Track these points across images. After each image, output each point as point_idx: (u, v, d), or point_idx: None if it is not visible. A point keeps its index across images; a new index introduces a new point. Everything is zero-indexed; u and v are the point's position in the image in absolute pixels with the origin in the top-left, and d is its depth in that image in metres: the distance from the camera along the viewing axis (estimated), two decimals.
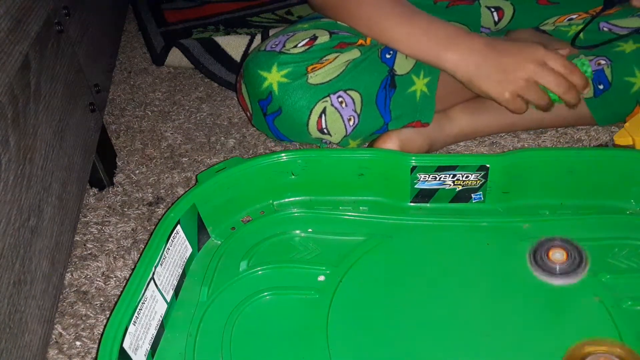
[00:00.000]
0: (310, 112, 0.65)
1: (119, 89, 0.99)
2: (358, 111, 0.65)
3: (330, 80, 0.65)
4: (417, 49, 0.65)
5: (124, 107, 0.93)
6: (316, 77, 0.65)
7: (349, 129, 0.66)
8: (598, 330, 0.46)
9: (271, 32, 1.01)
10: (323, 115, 0.65)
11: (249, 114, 0.73)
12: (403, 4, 0.66)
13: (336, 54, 0.66)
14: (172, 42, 1.06)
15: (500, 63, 0.62)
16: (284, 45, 0.68)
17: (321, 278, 0.53)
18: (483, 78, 0.63)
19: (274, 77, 0.65)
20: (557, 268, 0.50)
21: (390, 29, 0.65)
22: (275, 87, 0.65)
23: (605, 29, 0.73)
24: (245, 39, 1.01)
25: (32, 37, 0.53)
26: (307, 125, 0.66)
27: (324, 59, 0.66)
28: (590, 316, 0.48)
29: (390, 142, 0.66)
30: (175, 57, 1.03)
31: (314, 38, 0.68)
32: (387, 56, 0.67)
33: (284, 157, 0.60)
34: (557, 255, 0.51)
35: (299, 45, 0.67)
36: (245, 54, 1.00)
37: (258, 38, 1.01)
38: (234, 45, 1.01)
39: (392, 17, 0.65)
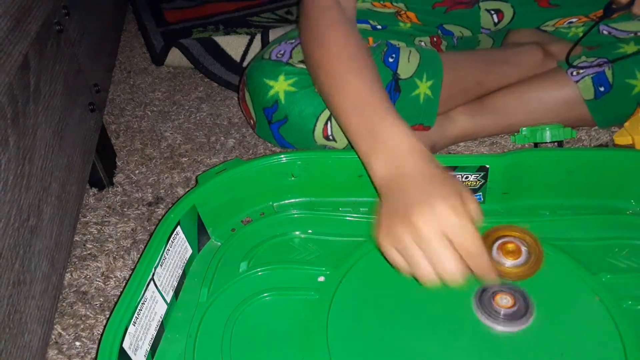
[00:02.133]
0: (317, 119, 0.65)
1: (119, 88, 0.99)
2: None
3: None
4: (352, 139, 0.54)
5: (124, 107, 0.93)
6: None
7: None
8: (598, 330, 0.47)
9: (271, 32, 1.01)
10: (329, 123, 0.65)
11: (252, 122, 0.72)
12: (361, 74, 0.56)
13: None
14: (171, 41, 1.06)
15: (405, 201, 0.46)
16: (290, 56, 0.67)
17: (321, 279, 0.53)
18: (382, 206, 0.49)
19: (280, 86, 0.65)
20: (502, 313, 0.48)
21: (336, 107, 0.56)
22: (281, 96, 0.65)
23: (605, 32, 0.73)
24: (245, 39, 1.01)
25: (32, 37, 0.53)
26: (314, 133, 0.65)
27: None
28: (590, 316, 0.48)
29: None
30: (175, 57, 1.03)
31: None
32: (390, 60, 0.67)
33: (284, 159, 0.60)
34: (504, 301, 0.48)
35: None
36: (245, 54, 1.00)
37: (258, 38, 1.01)
38: (233, 45, 1.01)
39: (342, 92, 0.56)
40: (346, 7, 0.63)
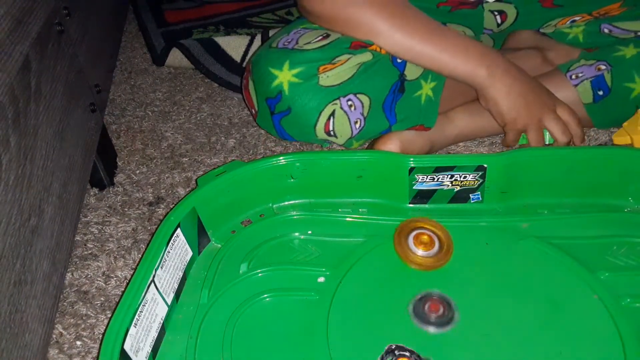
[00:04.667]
0: (320, 114, 0.64)
1: (120, 89, 0.99)
2: (365, 114, 0.65)
3: (341, 83, 0.64)
4: (451, 64, 0.66)
5: (125, 107, 0.93)
6: (327, 79, 0.64)
7: (355, 132, 0.66)
8: (597, 328, 0.47)
9: (271, 32, 1.01)
10: (332, 118, 0.64)
11: (253, 112, 0.72)
12: (430, 21, 0.67)
13: (348, 56, 0.65)
14: (172, 42, 1.06)
15: (527, 95, 0.66)
16: (297, 42, 0.67)
17: (321, 279, 0.53)
18: (506, 101, 0.66)
19: (285, 76, 0.64)
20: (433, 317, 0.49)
21: (420, 43, 0.66)
22: (285, 87, 0.64)
23: (606, 30, 0.73)
24: (246, 40, 1.01)
25: (33, 38, 0.53)
26: (315, 127, 0.65)
27: (336, 59, 0.64)
28: (589, 314, 0.48)
29: (391, 144, 0.66)
30: (176, 57, 1.03)
31: (326, 36, 0.67)
32: (399, 60, 0.66)
33: (283, 161, 0.60)
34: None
35: (313, 41, 0.66)
36: (246, 55, 1.00)
37: (258, 38, 1.01)
38: (234, 45, 1.01)
39: (422, 33, 0.66)
40: None
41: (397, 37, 0.65)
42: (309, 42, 0.66)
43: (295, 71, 0.64)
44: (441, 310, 0.49)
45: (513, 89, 0.66)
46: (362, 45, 0.66)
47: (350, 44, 0.66)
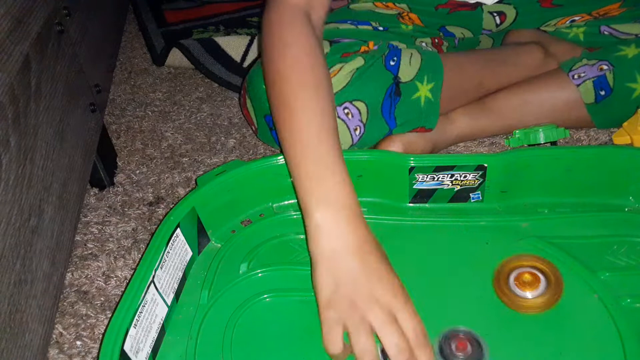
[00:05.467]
0: None
1: (120, 89, 0.99)
2: (364, 121, 0.65)
3: (336, 92, 0.64)
4: (298, 187, 0.51)
5: (125, 107, 0.93)
6: None
7: (355, 139, 0.65)
8: (597, 328, 0.47)
9: None
10: None
11: (253, 128, 0.72)
12: (322, 135, 0.52)
13: (340, 65, 0.65)
14: (172, 42, 1.06)
15: (357, 276, 0.46)
16: None
17: None
18: (324, 270, 0.47)
19: None
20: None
21: (287, 150, 0.53)
22: None
23: (605, 32, 0.73)
24: (246, 39, 1.01)
25: (33, 38, 0.53)
26: None
27: (329, 70, 0.63)
28: (589, 313, 0.48)
29: (394, 146, 0.66)
30: (176, 57, 1.03)
31: None
32: (392, 63, 0.66)
33: (283, 160, 0.60)
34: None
35: None
36: (246, 54, 1.00)
37: (258, 38, 1.01)
38: (234, 45, 1.01)
39: (298, 144, 0.52)
40: (316, 14, 0.60)
41: (272, 107, 0.56)
42: None
43: None
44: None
45: (338, 258, 0.46)
46: (351, 54, 0.66)
47: (341, 54, 0.66)
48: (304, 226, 0.49)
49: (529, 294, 0.49)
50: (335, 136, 0.52)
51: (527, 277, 0.50)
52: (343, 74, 0.64)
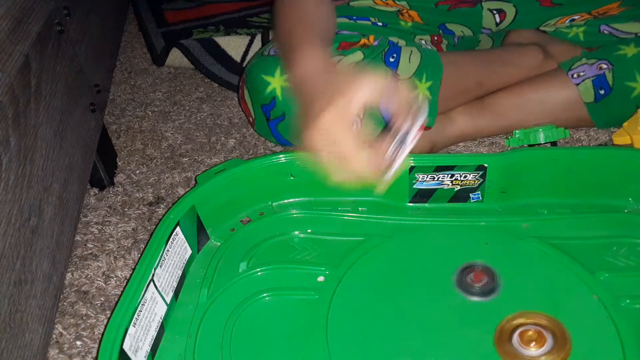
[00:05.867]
0: None
1: (120, 89, 1.00)
2: (361, 116, 0.65)
3: None
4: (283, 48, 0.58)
5: (125, 107, 0.93)
6: None
7: None
8: (596, 329, 0.47)
9: (271, 32, 1.01)
10: None
11: (251, 120, 0.72)
12: (312, 28, 0.58)
13: (339, 58, 0.65)
14: (172, 42, 1.06)
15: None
16: None
17: (320, 279, 0.53)
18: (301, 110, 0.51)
19: (277, 82, 0.65)
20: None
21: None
22: (278, 92, 0.65)
23: (605, 31, 0.73)
24: (246, 39, 1.01)
25: (33, 38, 0.54)
26: None
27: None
28: (588, 314, 0.48)
29: None
30: (176, 57, 1.03)
31: None
32: (391, 60, 0.66)
33: (283, 159, 0.60)
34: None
35: None
36: (246, 54, 1.00)
37: (258, 38, 1.01)
38: (234, 45, 1.01)
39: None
40: None
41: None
42: None
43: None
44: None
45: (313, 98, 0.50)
46: (351, 44, 0.66)
47: (339, 45, 0.66)
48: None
49: (535, 352, 0.45)
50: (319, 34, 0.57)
51: (531, 334, 0.46)
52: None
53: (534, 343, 0.45)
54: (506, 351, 0.45)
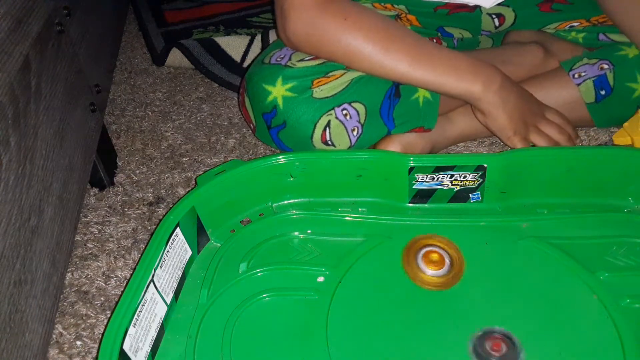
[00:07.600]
0: (315, 125, 0.64)
1: (120, 89, 1.00)
2: (362, 122, 0.65)
3: (335, 94, 0.64)
4: (444, 86, 0.64)
5: (125, 107, 0.93)
6: (321, 92, 0.64)
7: (353, 140, 0.66)
8: (596, 328, 0.47)
9: (271, 33, 1.01)
10: (327, 129, 0.64)
11: (252, 126, 0.72)
12: (414, 39, 0.64)
13: (343, 71, 0.65)
14: (172, 42, 1.06)
15: (522, 106, 0.67)
16: (289, 59, 0.67)
17: (320, 279, 0.53)
18: (504, 115, 0.66)
19: (278, 91, 0.65)
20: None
21: (409, 68, 0.63)
22: (280, 101, 0.65)
23: (603, 40, 0.73)
24: (246, 40, 1.01)
25: (33, 38, 0.54)
26: (312, 138, 0.65)
27: (331, 73, 0.65)
28: (588, 314, 0.48)
29: (393, 146, 0.66)
30: (176, 57, 1.03)
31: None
32: None
33: (282, 160, 0.60)
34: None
35: (306, 59, 0.66)
36: (246, 55, 1.00)
37: (258, 38, 1.01)
38: (234, 45, 1.01)
39: (409, 56, 0.63)
40: None
41: (381, 60, 0.63)
42: (302, 60, 0.66)
43: (288, 86, 0.64)
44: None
45: (508, 102, 0.65)
46: None
47: None
48: (475, 108, 0.68)
49: (430, 271, 0.53)
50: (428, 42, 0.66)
51: (434, 256, 0.54)
52: (344, 80, 0.65)
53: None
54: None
